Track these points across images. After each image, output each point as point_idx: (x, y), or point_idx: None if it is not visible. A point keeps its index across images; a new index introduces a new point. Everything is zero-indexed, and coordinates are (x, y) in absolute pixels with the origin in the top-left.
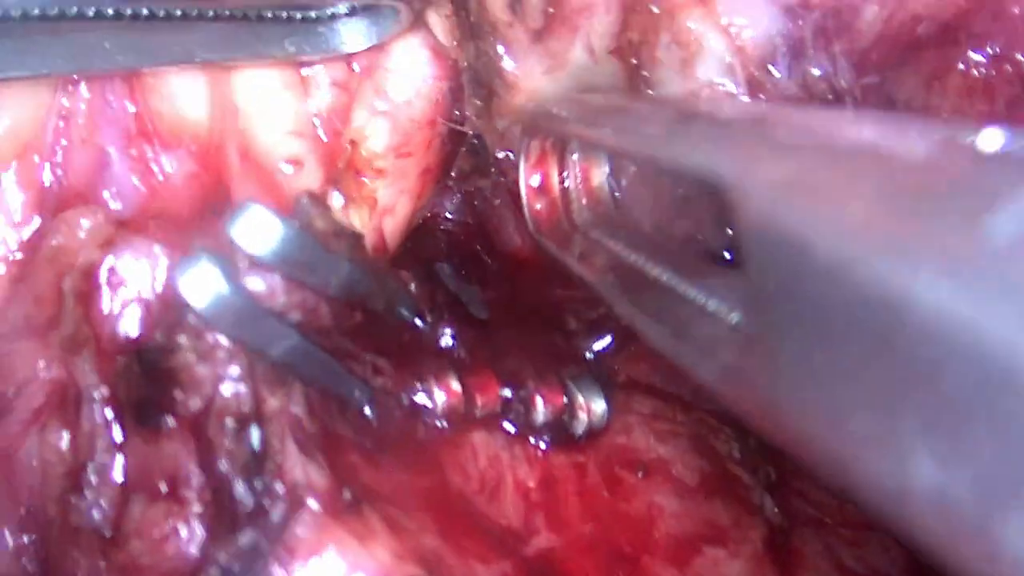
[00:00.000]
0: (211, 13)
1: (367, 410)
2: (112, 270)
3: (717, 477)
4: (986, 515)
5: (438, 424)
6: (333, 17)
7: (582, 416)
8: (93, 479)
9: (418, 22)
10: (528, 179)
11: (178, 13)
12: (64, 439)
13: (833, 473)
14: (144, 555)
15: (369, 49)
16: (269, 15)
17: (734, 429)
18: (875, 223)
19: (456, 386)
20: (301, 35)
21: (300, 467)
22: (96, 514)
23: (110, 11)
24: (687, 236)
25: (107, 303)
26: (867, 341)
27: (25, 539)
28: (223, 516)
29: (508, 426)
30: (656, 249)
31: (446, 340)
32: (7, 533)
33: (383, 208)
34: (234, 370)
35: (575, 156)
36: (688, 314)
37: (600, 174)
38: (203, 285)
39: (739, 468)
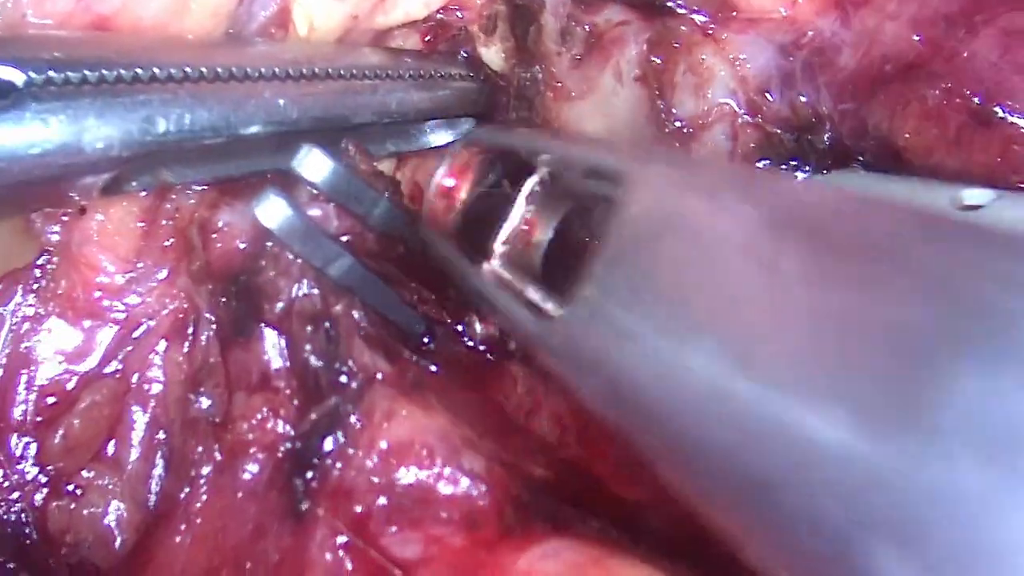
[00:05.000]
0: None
1: (418, 332)
2: (218, 223)
3: None
4: None
5: (478, 350)
6: (424, 124)
7: None
8: (205, 382)
9: None
10: (442, 178)
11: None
12: (183, 354)
13: None
14: (249, 432)
15: None
16: (384, 123)
17: None
18: None
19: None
20: (400, 137)
21: (368, 355)
22: (209, 407)
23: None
24: None
25: (215, 246)
26: None
27: (157, 438)
28: (309, 393)
29: None
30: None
31: None
32: (146, 435)
33: (415, 164)
34: (305, 281)
35: (493, 185)
36: None
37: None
38: (274, 212)
39: None
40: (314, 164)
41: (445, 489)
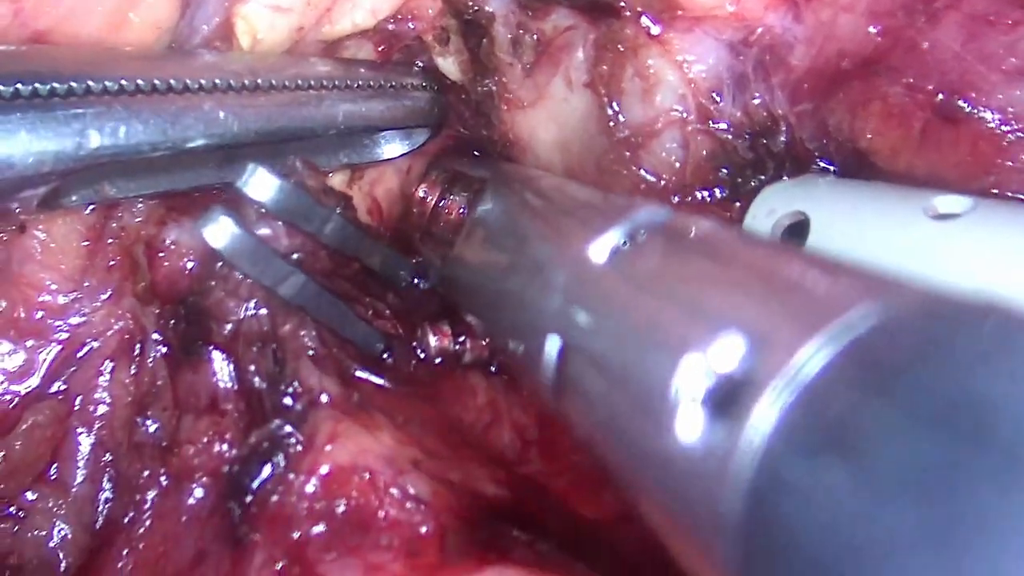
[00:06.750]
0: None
1: (376, 347)
2: (164, 241)
3: None
4: None
5: (434, 363)
6: (378, 135)
7: None
8: (153, 404)
9: None
10: (417, 190)
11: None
12: (130, 376)
13: None
14: (195, 456)
15: None
16: (331, 134)
17: None
18: None
19: (447, 329)
20: (352, 148)
21: (315, 377)
22: (156, 430)
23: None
24: None
25: (162, 265)
26: None
27: (103, 460)
28: (255, 417)
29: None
30: None
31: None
32: (91, 457)
33: (373, 179)
34: (253, 301)
35: (452, 195)
36: None
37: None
38: (221, 232)
39: None
40: (260, 183)
41: (386, 514)
